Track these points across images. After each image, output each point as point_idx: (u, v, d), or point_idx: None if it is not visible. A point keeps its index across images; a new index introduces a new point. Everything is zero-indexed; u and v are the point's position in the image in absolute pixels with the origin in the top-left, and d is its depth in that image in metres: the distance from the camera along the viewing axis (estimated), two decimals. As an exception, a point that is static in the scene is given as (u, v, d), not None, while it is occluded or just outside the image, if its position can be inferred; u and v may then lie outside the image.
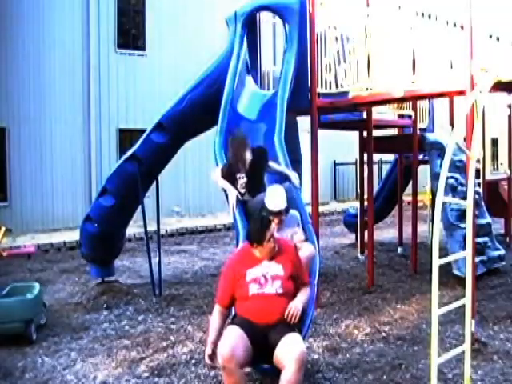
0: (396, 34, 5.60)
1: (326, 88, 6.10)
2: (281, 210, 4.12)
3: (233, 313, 3.66)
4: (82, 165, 12.59)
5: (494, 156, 15.17)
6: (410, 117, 8.00)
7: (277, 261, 3.56)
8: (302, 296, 3.59)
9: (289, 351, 3.20)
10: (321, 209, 7.60)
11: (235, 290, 3.55)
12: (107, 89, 12.90)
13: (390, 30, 5.67)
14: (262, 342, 3.34)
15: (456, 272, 6.66)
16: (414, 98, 6.95)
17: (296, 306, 3.45)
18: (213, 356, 3.43)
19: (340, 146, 16.34)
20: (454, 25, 5.27)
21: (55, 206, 12.17)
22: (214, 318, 3.63)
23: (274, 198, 4.14)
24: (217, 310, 3.65)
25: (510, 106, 9.48)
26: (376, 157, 10.24)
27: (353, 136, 10.54)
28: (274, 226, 3.60)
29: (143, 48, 13.47)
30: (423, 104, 8.58)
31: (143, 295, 6.55)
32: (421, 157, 8.27)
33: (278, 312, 3.43)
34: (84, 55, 12.56)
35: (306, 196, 5.65)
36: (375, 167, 15.96)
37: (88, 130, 12.65)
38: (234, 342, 3.24)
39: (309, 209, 5.17)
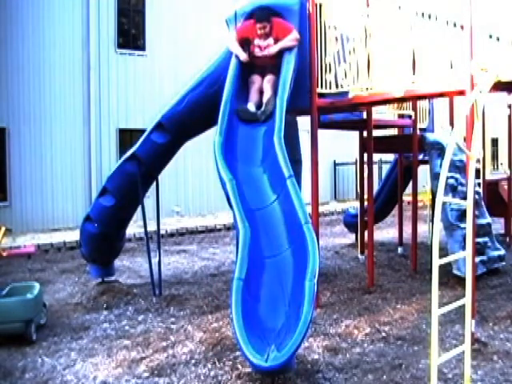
0: (396, 33, 5.60)
1: (325, 88, 6.09)
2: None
3: (233, 309, 3.90)
4: (82, 165, 12.60)
5: (494, 156, 15.16)
6: (410, 117, 7.99)
7: (272, 36, 5.68)
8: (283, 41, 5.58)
9: (266, 81, 5.58)
10: (321, 209, 7.61)
11: (249, 37, 5.71)
12: (107, 89, 12.90)
13: (389, 30, 5.67)
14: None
15: (456, 272, 6.66)
16: (414, 98, 6.94)
17: (272, 48, 5.61)
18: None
19: (340, 146, 16.35)
20: (454, 25, 5.26)
21: (55, 206, 12.18)
22: (235, 45, 5.69)
23: None
24: (234, 38, 5.75)
25: (510, 106, 9.47)
26: (376, 157, 10.26)
27: (353, 136, 10.56)
28: None
29: (143, 48, 13.48)
30: (423, 104, 8.58)
31: (143, 295, 6.55)
32: (421, 157, 8.27)
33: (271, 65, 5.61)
34: (84, 55, 12.56)
35: (306, 196, 5.64)
36: (375, 167, 15.98)
37: (88, 130, 12.66)
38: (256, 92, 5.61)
39: (309, 209, 5.17)
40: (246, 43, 5.70)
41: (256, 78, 5.63)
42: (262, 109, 5.34)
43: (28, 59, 11.81)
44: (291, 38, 5.59)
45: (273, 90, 5.44)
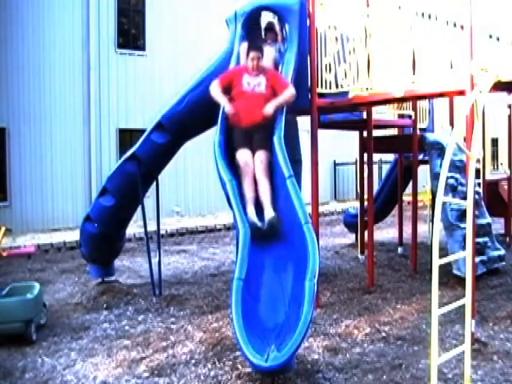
0: (396, 33, 5.60)
1: (325, 88, 6.10)
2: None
3: (233, 309, 3.91)
4: (82, 165, 12.60)
5: (494, 156, 15.16)
6: (410, 117, 7.99)
7: (263, 76, 5.17)
8: (278, 99, 5.05)
9: (257, 168, 4.81)
10: (321, 209, 7.60)
11: (233, 81, 5.15)
12: (107, 89, 12.90)
13: (389, 30, 5.67)
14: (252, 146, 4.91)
15: (456, 272, 6.66)
16: (414, 98, 6.95)
17: (268, 107, 4.95)
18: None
19: (340, 146, 16.35)
20: (454, 25, 5.27)
21: (55, 206, 12.18)
22: (217, 91, 5.16)
23: None
24: (217, 86, 5.18)
25: (510, 106, 9.47)
26: (376, 157, 10.25)
27: (353, 136, 10.56)
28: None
29: (143, 48, 13.48)
30: (423, 104, 8.58)
31: (143, 295, 6.55)
32: (421, 157, 8.27)
33: (260, 113, 4.93)
34: (84, 55, 12.56)
35: (306, 196, 5.64)
36: (375, 167, 15.98)
37: (88, 130, 12.66)
38: (248, 161, 4.87)
39: (309, 209, 5.17)
40: (232, 85, 5.18)
41: (245, 161, 4.85)
42: (267, 221, 4.61)
43: (28, 59, 11.81)
44: (288, 95, 5.12)
45: (268, 187, 4.76)
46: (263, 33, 6.27)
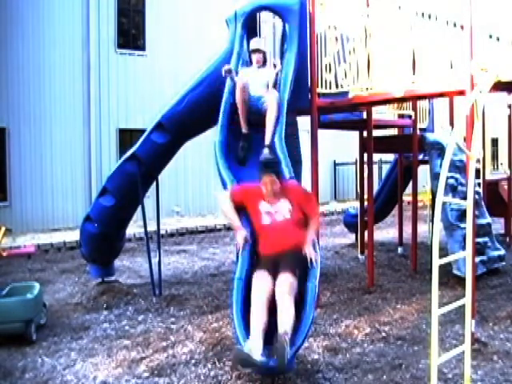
0: (396, 33, 5.60)
1: (325, 88, 6.10)
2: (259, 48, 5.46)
3: (233, 309, 3.92)
4: (82, 165, 12.60)
5: (494, 156, 15.17)
6: (410, 117, 8.00)
7: (284, 199, 4.26)
8: (311, 233, 4.22)
9: (280, 290, 3.83)
10: (321, 209, 7.61)
11: (248, 205, 4.30)
12: (107, 89, 12.90)
13: (389, 30, 5.67)
14: (276, 272, 3.95)
15: (456, 272, 6.66)
16: (414, 98, 6.95)
17: (310, 252, 4.10)
18: (246, 238, 4.21)
19: (340, 146, 16.35)
20: (454, 25, 5.27)
21: (55, 206, 12.18)
22: (229, 209, 4.34)
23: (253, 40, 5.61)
24: (227, 201, 4.36)
25: (510, 106, 9.47)
26: (376, 157, 10.25)
27: (353, 136, 10.56)
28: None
29: (143, 48, 13.48)
30: (423, 104, 8.58)
31: (143, 295, 6.55)
32: (421, 157, 8.27)
33: (288, 241, 4.11)
34: (84, 55, 12.56)
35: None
36: (375, 167, 15.98)
37: (88, 130, 12.66)
38: (262, 286, 3.88)
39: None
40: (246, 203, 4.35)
41: (259, 285, 3.92)
42: (275, 359, 3.55)
43: (28, 59, 11.81)
44: (317, 220, 4.43)
45: (292, 317, 3.76)
46: (248, 56, 5.91)
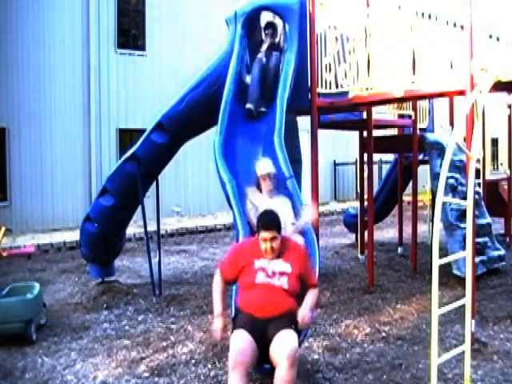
0: (396, 33, 5.60)
1: (325, 88, 6.10)
2: (268, 172, 4.69)
3: (233, 309, 3.77)
4: (82, 165, 12.60)
5: (494, 156, 15.17)
6: (410, 117, 8.00)
7: (284, 259, 3.59)
8: (310, 300, 3.61)
9: (281, 349, 3.23)
10: (321, 209, 7.61)
11: (241, 273, 3.61)
12: (107, 89, 12.90)
13: (389, 30, 5.67)
14: (262, 338, 3.36)
15: (456, 272, 6.66)
16: (414, 98, 6.95)
17: (306, 314, 3.47)
18: (224, 328, 3.59)
19: (340, 146, 16.35)
20: (454, 25, 5.27)
21: (55, 206, 12.18)
22: (217, 291, 3.78)
23: (262, 163, 4.76)
24: (218, 280, 3.77)
25: (510, 106, 9.47)
26: (376, 157, 10.25)
27: (353, 136, 10.56)
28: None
29: (143, 48, 13.48)
30: (423, 104, 8.58)
31: (143, 295, 6.55)
32: (421, 157, 8.27)
33: (280, 306, 3.47)
34: (84, 55, 12.56)
35: (306, 196, 5.65)
36: (375, 167, 15.98)
37: (88, 129, 12.66)
38: (243, 348, 3.25)
39: (309, 209, 5.17)
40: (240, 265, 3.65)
41: (238, 350, 3.28)
42: None
43: (28, 59, 11.81)
44: (317, 292, 3.76)
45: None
46: (262, 32, 6.15)
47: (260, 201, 4.63)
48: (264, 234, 3.54)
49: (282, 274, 3.53)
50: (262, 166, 4.74)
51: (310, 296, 3.63)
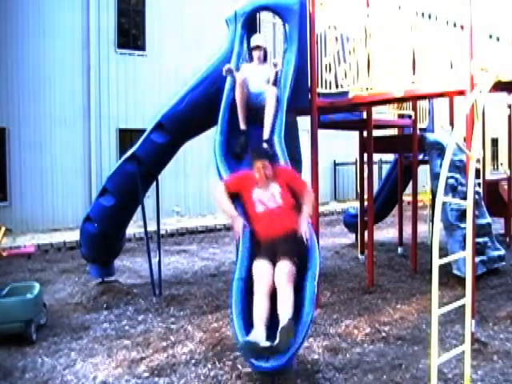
0: (396, 33, 5.60)
1: (325, 88, 6.10)
2: (258, 45, 5.51)
3: (233, 309, 3.92)
4: (82, 165, 12.60)
5: (494, 156, 15.17)
6: (410, 117, 8.00)
7: (276, 181, 4.36)
8: (304, 210, 4.32)
9: (278, 280, 3.89)
10: (321, 209, 7.61)
11: (243, 192, 4.43)
12: (107, 89, 12.90)
13: (389, 30, 5.67)
14: (274, 257, 4.03)
15: (456, 272, 6.66)
16: (414, 98, 6.95)
17: (301, 225, 4.21)
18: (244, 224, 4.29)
19: (340, 146, 16.35)
20: (454, 25, 5.27)
21: (55, 206, 12.18)
22: (224, 198, 4.45)
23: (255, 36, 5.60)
24: (222, 190, 4.47)
25: (510, 106, 9.47)
26: (376, 157, 10.26)
27: (353, 136, 10.56)
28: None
29: (143, 48, 13.48)
30: (423, 104, 8.58)
31: (143, 295, 6.55)
32: (421, 157, 8.27)
33: (282, 226, 4.19)
34: (84, 55, 12.56)
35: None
36: (375, 167, 15.98)
37: (88, 130, 12.66)
38: (265, 272, 3.95)
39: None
40: (241, 194, 4.45)
41: (259, 274, 3.96)
42: (277, 340, 3.53)
43: (28, 59, 11.81)
44: (311, 200, 4.46)
45: (292, 301, 3.84)
46: (248, 53, 5.95)
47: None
48: (257, 164, 4.33)
49: (275, 194, 4.31)
50: (255, 38, 5.52)
51: (304, 206, 4.34)
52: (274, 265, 3.98)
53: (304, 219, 4.27)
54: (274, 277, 3.93)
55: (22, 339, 4.93)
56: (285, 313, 3.73)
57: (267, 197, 4.30)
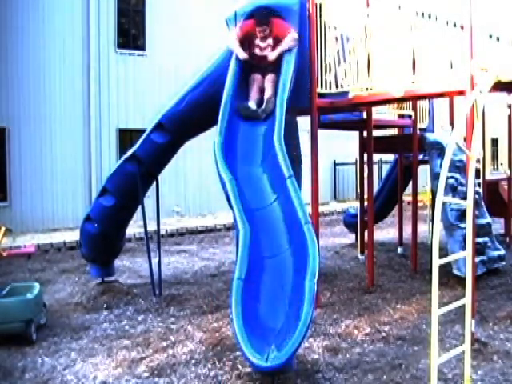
0: (396, 34, 5.60)
1: (325, 88, 6.09)
2: None
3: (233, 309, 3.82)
4: (82, 165, 12.60)
5: (494, 156, 15.17)
6: (410, 117, 8.00)
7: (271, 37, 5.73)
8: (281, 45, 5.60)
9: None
10: (321, 209, 7.60)
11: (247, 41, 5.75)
12: (107, 89, 12.90)
13: (389, 30, 5.67)
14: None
15: (456, 272, 6.66)
16: (414, 98, 6.95)
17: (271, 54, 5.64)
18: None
19: (340, 146, 16.34)
20: (454, 25, 5.27)
21: (55, 206, 12.18)
22: (236, 44, 5.63)
23: None
24: (235, 38, 5.70)
25: (510, 106, 9.47)
26: (376, 157, 10.25)
27: (353, 136, 10.56)
28: None
29: (143, 48, 13.48)
30: (423, 104, 8.58)
31: (143, 295, 6.55)
32: (421, 157, 8.27)
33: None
34: (84, 55, 12.56)
35: (306, 196, 5.64)
36: (375, 167, 15.97)
37: (88, 130, 12.66)
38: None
39: (309, 209, 5.17)
40: (247, 42, 5.74)
41: (257, 77, 5.66)
42: (263, 107, 5.35)
43: (28, 59, 11.81)
44: (290, 40, 5.61)
45: (273, 89, 5.45)
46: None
47: None
48: (258, 28, 5.60)
49: (268, 46, 5.67)
50: None
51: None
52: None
53: (278, 49, 5.57)
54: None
55: (22, 339, 4.93)
56: (268, 92, 5.41)
57: (263, 46, 5.67)
